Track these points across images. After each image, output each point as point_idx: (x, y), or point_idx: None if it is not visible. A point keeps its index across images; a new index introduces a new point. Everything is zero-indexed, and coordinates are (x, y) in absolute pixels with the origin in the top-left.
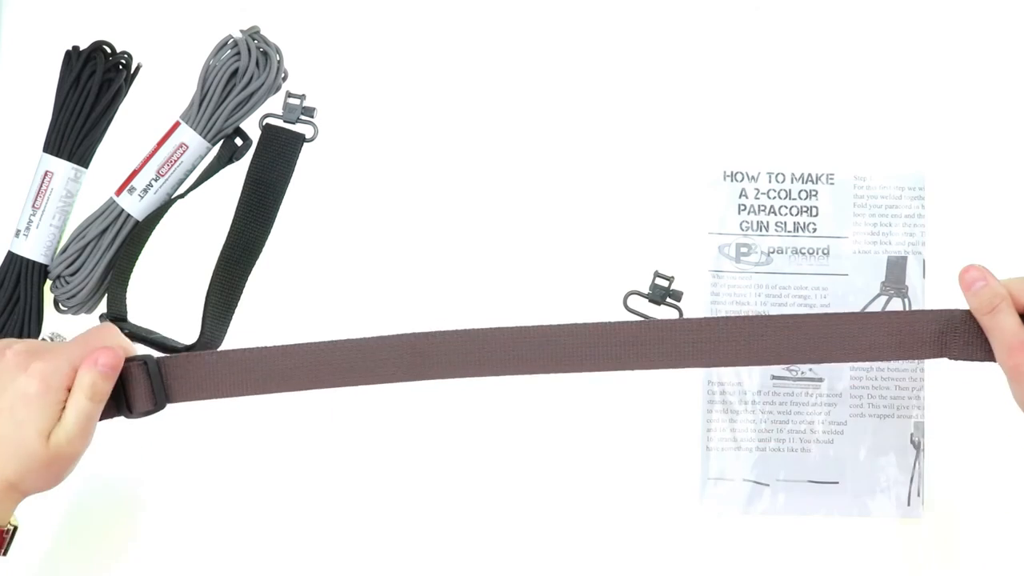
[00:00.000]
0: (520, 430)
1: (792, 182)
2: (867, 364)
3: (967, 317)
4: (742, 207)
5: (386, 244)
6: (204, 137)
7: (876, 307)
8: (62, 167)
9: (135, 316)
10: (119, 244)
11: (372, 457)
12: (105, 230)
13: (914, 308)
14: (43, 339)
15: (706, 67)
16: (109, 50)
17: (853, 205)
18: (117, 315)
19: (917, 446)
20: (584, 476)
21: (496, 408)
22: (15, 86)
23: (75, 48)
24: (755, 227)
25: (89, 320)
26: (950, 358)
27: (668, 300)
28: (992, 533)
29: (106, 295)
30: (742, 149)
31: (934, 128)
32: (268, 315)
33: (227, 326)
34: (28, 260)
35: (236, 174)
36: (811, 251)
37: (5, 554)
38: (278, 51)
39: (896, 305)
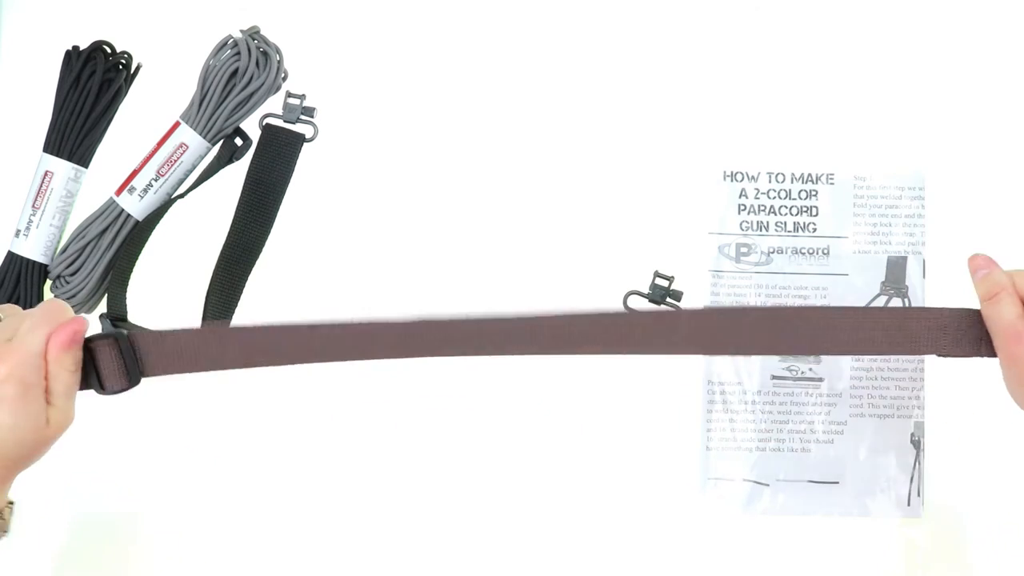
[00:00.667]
0: (520, 429)
1: (792, 182)
2: (867, 364)
3: (957, 315)
4: (742, 207)
5: (386, 244)
6: (204, 137)
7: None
8: (62, 167)
9: (135, 316)
10: (119, 244)
11: (371, 457)
12: (105, 230)
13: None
14: None
15: (706, 67)
16: (109, 50)
17: (853, 205)
18: (117, 315)
19: (917, 446)
20: (584, 475)
21: (496, 408)
22: (15, 86)
23: (75, 48)
24: (755, 227)
25: (89, 320)
26: (939, 355)
27: (668, 300)
28: (992, 533)
29: (106, 295)
30: (742, 149)
31: (934, 128)
32: (268, 315)
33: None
34: (28, 260)
35: (236, 174)
36: (811, 251)
37: (7, 532)
38: (278, 51)
39: (896, 305)
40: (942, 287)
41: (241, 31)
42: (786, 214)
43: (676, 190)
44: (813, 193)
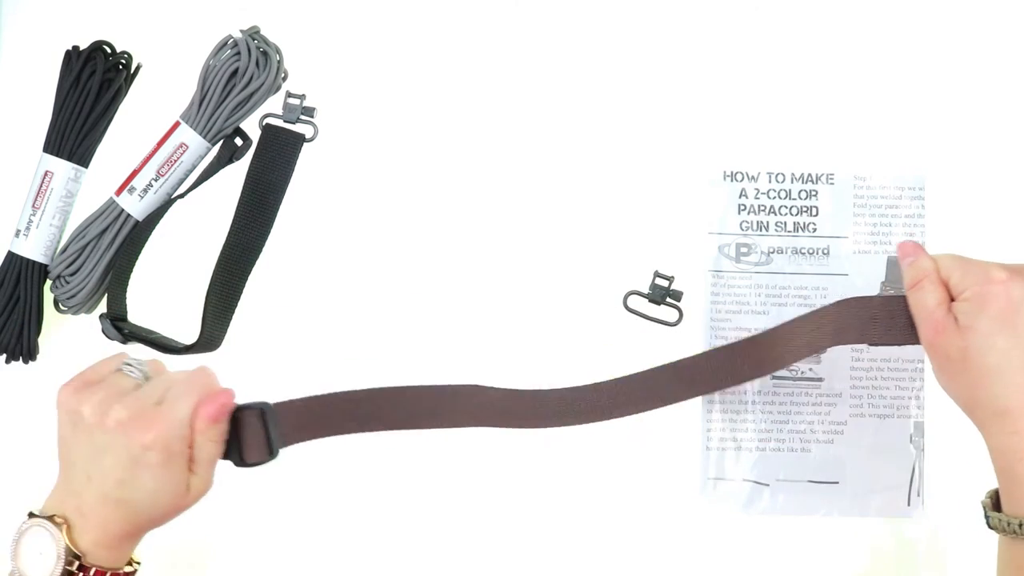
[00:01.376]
0: (520, 429)
1: (792, 182)
2: (867, 364)
3: (887, 303)
4: (742, 207)
5: (386, 244)
6: (204, 137)
7: None
8: (62, 167)
9: (135, 316)
10: (119, 244)
11: (371, 457)
12: (105, 230)
13: None
14: (123, 366)
15: (706, 67)
16: (109, 50)
17: (853, 205)
18: (117, 315)
19: (917, 446)
20: (584, 476)
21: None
22: (15, 86)
23: (75, 48)
24: (755, 227)
25: (89, 320)
26: (870, 343)
27: (668, 300)
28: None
29: (106, 295)
30: (742, 149)
31: (934, 128)
32: (268, 315)
33: (227, 326)
34: (28, 260)
35: (236, 174)
36: (811, 251)
37: None
38: (278, 51)
39: None
40: None
41: (241, 31)
42: (786, 214)
43: (676, 190)
44: (813, 193)
